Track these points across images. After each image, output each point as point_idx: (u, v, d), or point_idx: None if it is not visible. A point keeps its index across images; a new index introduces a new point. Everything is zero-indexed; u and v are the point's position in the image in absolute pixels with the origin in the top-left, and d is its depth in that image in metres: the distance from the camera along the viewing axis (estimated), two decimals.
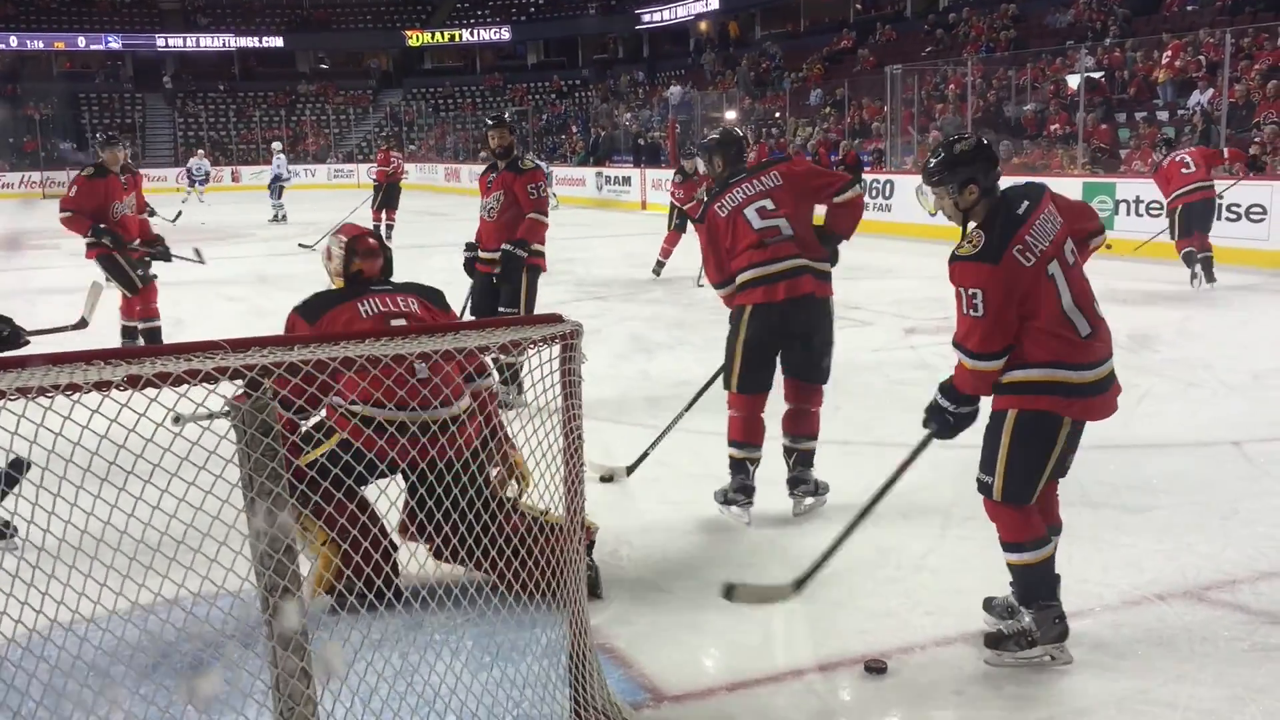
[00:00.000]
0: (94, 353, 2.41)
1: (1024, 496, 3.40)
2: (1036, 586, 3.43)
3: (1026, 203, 3.37)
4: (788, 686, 3.40)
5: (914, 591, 4.01)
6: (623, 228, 20.67)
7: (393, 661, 2.93)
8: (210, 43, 46.39)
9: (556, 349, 2.87)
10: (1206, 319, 9.60)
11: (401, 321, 3.87)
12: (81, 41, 44.88)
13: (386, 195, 18.04)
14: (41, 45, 44.49)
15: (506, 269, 6.77)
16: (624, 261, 14.86)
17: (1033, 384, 3.33)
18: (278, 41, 47.42)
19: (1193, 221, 11.46)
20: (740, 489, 4.80)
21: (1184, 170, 11.55)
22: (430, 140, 42.30)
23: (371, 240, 4.17)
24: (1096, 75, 19.20)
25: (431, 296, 4.10)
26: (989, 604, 3.71)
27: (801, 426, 4.88)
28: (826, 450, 4.99)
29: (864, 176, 18.57)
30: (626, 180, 26.06)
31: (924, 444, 3.63)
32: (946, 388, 3.49)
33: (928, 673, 3.44)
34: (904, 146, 20.26)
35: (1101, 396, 3.41)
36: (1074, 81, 18.80)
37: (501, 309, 6.69)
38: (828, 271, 4.82)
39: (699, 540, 4.63)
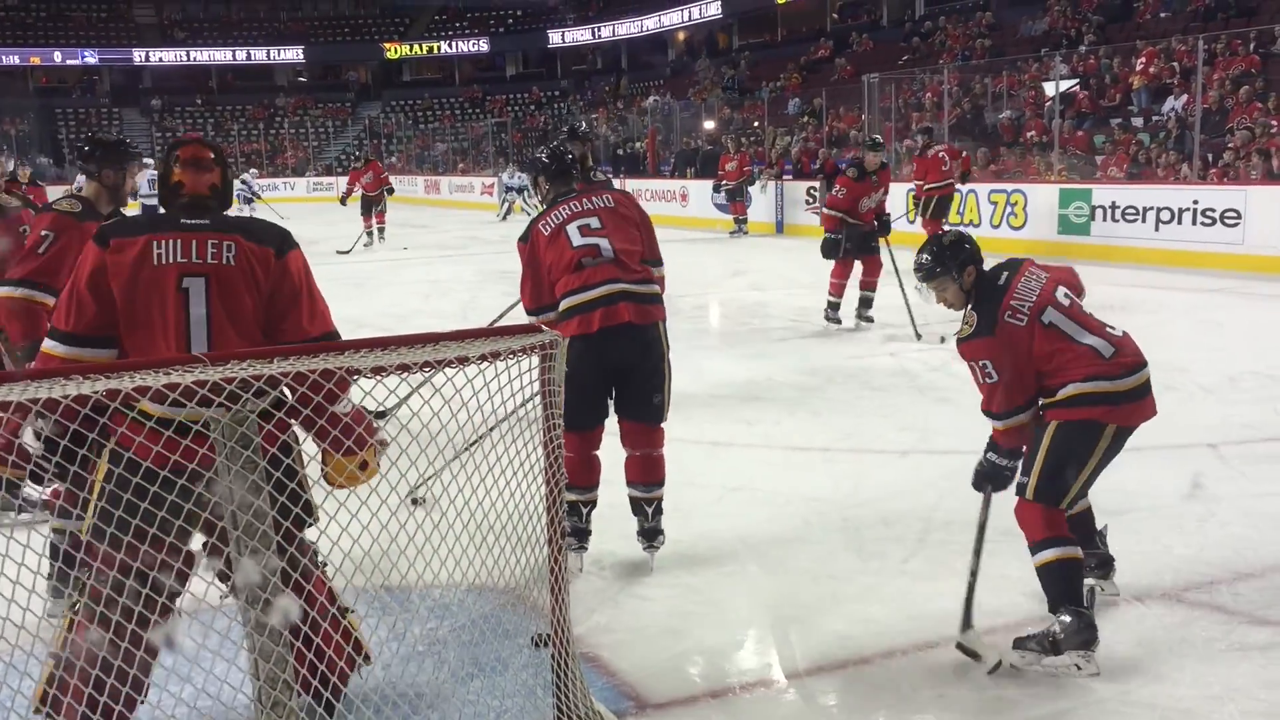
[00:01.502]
0: (72, 367, 2.41)
1: (1055, 497, 3.56)
2: (1065, 589, 3.50)
3: (1006, 274, 3.70)
4: (770, 693, 3.41)
5: (895, 597, 4.03)
6: None
7: (375, 673, 2.94)
8: (187, 57, 46.25)
9: (535, 360, 2.87)
10: (1181, 323, 9.67)
11: (200, 280, 2.98)
12: (57, 56, 44.72)
13: (379, 201, 19.12)
14: (17, 60, 44.33)
15: None
16: None
17: (1075, 398, 3.55)
18: (256, 55, 47.31)
19: (940, 212, 14.25)
20: (575, 533, 4.37)
21: (943, 167, 14.19)
22: (410, 152, 42.29)
23: (203, 148, 3.24)
24: (1072, 83, 19.35)
25: (266, 238, 3.11)
26: (1020, 642, 3.55)
27: (649, 473, 4.41)
28: (809, 457, 5.01)
29: None
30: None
31: (987, 502, 3.79)
32: (993, 445, 3.75)
33: (909, 676, 3.46)
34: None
35: (1141, 402, 3.63)
36: (1051, 89, 18.95)
37: None
38: (653, 294, 4.37)
39: (681, 548, 4.63)
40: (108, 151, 4.58)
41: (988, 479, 3.77)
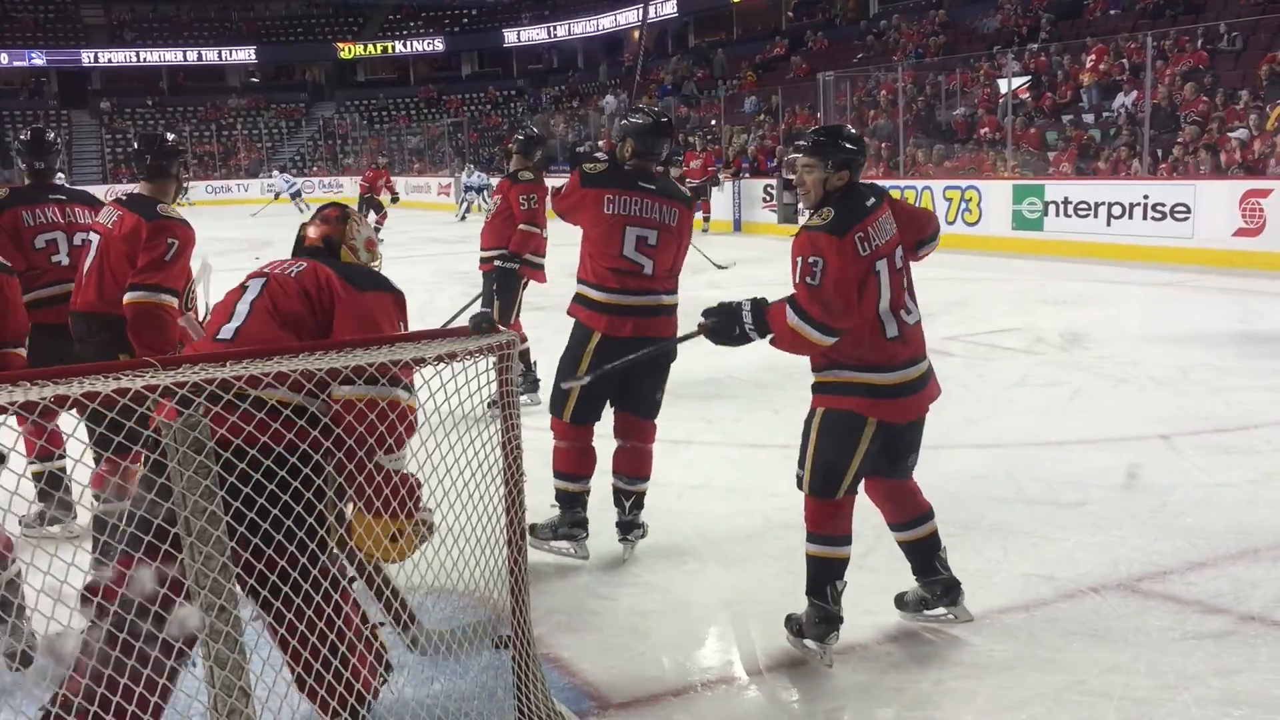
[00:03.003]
0: (20, 373, 2.37)
1: (829, 491, 3.48)
2: (818, 582, 3.53)
3: (873, 199, 3.53)
4: (732, 691, 3.42)
5: (854, 591, 4.03)
6: (562, 237, 20.58)
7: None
8: (137, 57, 45.65)
9: (491, 360, 2.86)
10: (1135, 316, 9.80)
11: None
12: (3, 58, 44.00)
13: (373, 204, 19.96)
14: None
15: (499, 281, 6.93)
16: (563, 271, 14.81)
17: (839, 384, 3.46)
18: (208, 56, 46.79)
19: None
20: (577, 523, 4.46)
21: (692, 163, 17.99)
22: (365, 153, 42.03)
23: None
24: (1025, 80, 19.54)
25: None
26: (900, 600, 3.81)
27: (638, 467, 4.48)
28: (769, 454, 5.02)
29: None
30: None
31: (691, 336, 3.67)
32: (759, 311, 3.45)
33: (870, 671, 3.48)
34: None
35: (908, 399, 3.49)
36: (1005, 87, 19.14)
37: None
38: (677, 304, 4.49)
39: (642, 548, 4.63)
40: (173, 150, 4.59)
41: (722, 322, 3.48)
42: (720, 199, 20.10)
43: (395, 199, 21.27)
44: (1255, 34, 17.58)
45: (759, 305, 3.47)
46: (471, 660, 3.17)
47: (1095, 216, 14.01)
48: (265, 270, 2.98)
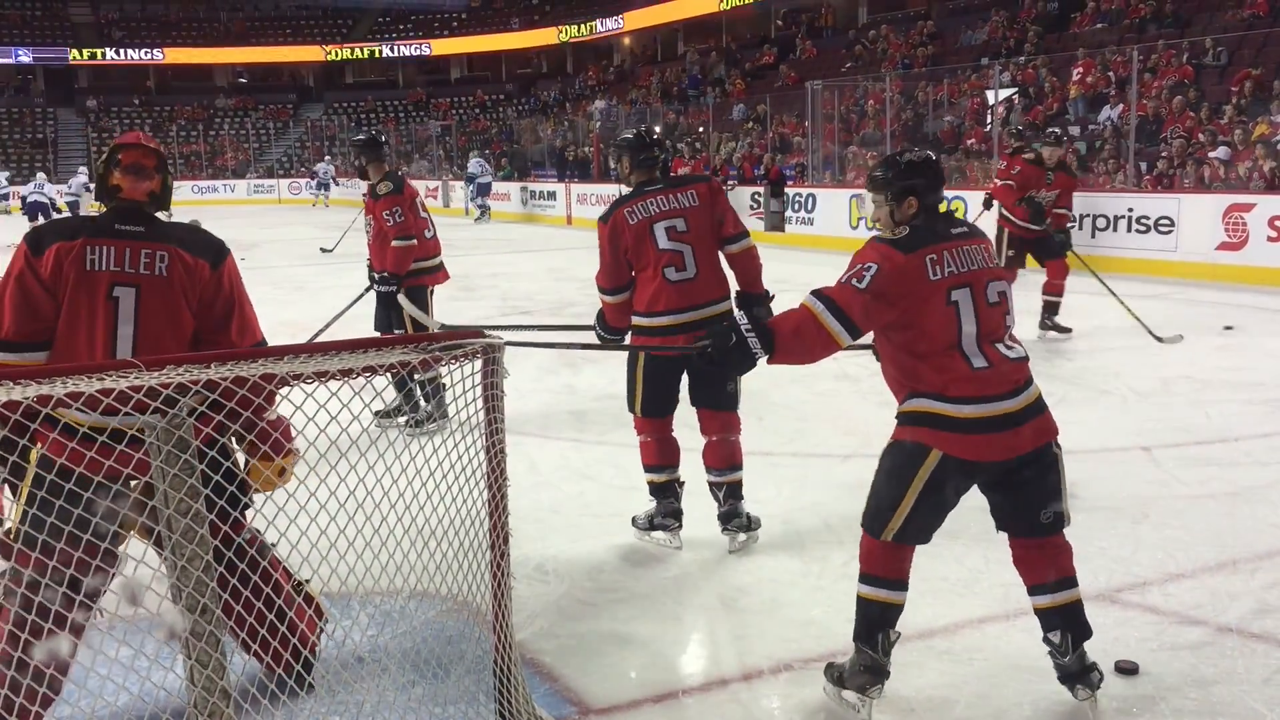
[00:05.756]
0: (2, 371, 2.37)
1: (877, 527, 3.21)
2: (867, 629, 3.25)
3: (965, 229, 3.29)
4: (713, 697, 3.42)
5: (836, 599, 4.06)
6: (548, 242, 20.66)
7: (312, 681, 2.91)
8: (124, 56, 45.47)
9: (478, 365, 2.87)
10: (1117, 328, 9.83)
11: (130, 291, 2.97)
12: None
13: None
14: None
15: (391, 301, 6.64)
16: (549, 276, 14.86)
17: (912, 414, 3.22)
18: (195, 55, 46.64)
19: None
20: (670, 513, 4.65)
21: (680, 170, 16.55)
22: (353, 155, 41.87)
23: (146, 154, 3.18)
24: (1011, 91, 19.64)
25: (201, 249, 3.12)
26: (830, 667, 3.43)
27: (723, 458, 4.63)
28: (752, 461, 5.03)
29: (787, 191, 18.76)
30: (551, 195, 26.06)
31: (687, 351, 3.54)
32: (761, 322, 3.26)
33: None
34: (825, 161, 20.53)
35: (988, 435, 3.13)
36: (992, 98, 19.24)
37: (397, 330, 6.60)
38: (731, 307, 4.58)
39: (624, 553, 4.64)
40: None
41: (736, 360, 3.23)
42: None
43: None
44: (1240, 50, 17.71)
45: (756, 318, 3.27)
46: (453, 664, 3.18)
47: (1080, 228, 14.05)
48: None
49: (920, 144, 19.48)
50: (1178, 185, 14.38)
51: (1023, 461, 3.17)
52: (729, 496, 4.63)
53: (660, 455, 4.66)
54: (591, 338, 4.85)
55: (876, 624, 3.23)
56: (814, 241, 17.15)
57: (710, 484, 4.68)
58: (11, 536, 2.74)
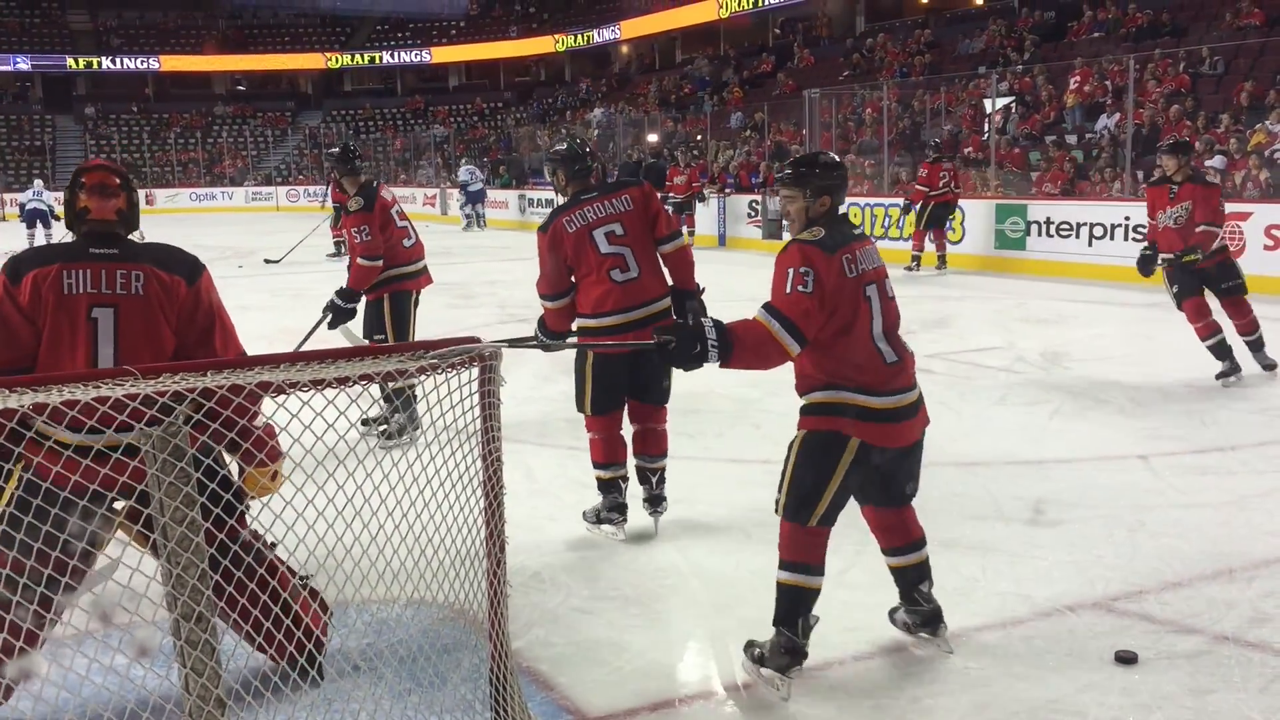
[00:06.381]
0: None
1: (804, 515, 3.42)
2: (788, 613, 3.46)
3: (859, 231, 3.60)
4: (710, 705, 3.42)
5: (832, 607, 4.04)
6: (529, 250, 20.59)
7: (308, 689, 2.91)
8: (123, 64, 45.49)
9: (475, 372, 2.87)
10: (1115, 337, 9.86)
11: (108, 311, 3.03)
12: None
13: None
14: None
15: (371, 311, 6.67)
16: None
17: (827, 405, 3.43)
18: (193, 63, 46.67)
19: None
20: (614, 507, 4.90)
21: (676, 179, 18.90)
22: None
23: (109, 174, 3.27)
24: (1009, 100, 19.68)
25: (175, 265, 3.19)
26: (891, 614, 3.85)
27: (653, 445, 4.95)
28: (749, 469, 5.04)
29: None
30: (549, 203, 26.06)
31: (647, 347, 3.53)
32: (722, 326, 3.32)
33: (846, 687, 3.49)
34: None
35: (898, 424, 3.46)
36: (989, 107, 19.27)
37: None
38: (669, 306, 4.85)
39: (620, 562, 4.64)
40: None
41: (690, 355, 3.29)
42: (705, 214, 20.12)
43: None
44: (1236, 59, 17.75)
45: (720, 322, 3.35)
46: (450, 672, 3.17)
47: (1077, 237, 14.10)
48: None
49: (917, 152, 19.50)
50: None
51: (909, 447, 3.57)
52: (660, 483, 4.96)
53: (608, 453, 4.89)
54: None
55: (797, 608, 3.46)
56: None
57: (643, 469, 4.96)
58: None
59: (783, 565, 3.48)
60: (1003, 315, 11.25)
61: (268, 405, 2.94)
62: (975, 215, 15.47)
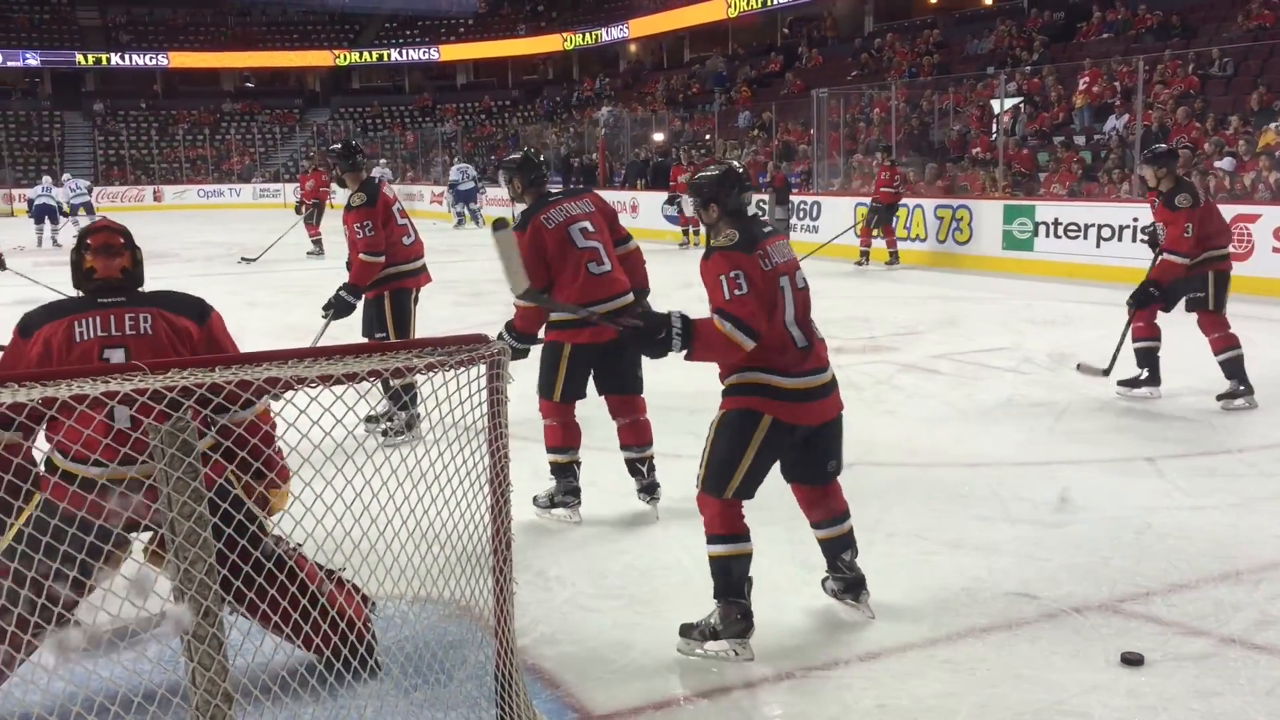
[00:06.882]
0: (7, 375, 2.37)
1: (720, 487, 3.69)
2: (725, 582, 3.70)
3: (770, 228, 3.87)
4: (715, 704, 3.42)
5: (839, 607, 4.06)
6: None
7: (315, 684, 2.91)
8: (131, 60, 45.56)
9: (482, 369, 2.87)
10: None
11: (119, 352, 3.19)
12: None
13: (320, 211, 19.01)
14: None
15: (373, 309, 6.67)
16: None
17: (744, 385, 3.70)
18: (201, 59, 46.74)
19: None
20: (570, 491, 5.10)
21: (680, 177, 18.52)
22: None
23: (112, 235, 3.43)
24: (1017, 100, 19.65)
25: (183, 308, 3.37)
26: (823, 583, 4.09)
27: (641, 436, 5.14)
28: None
29: (792, 199, 18.76)
30: None
31: (618, 324, 3.82)
32: (687, 319, 3.60)
33: (852, 688, 3.49)
34: (830, 169, 20.53)
35: (810, 404, 3.72)
36: (998, 107, 19.23)
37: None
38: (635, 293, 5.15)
39: (626, 560, 4.64)
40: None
41: (653, 336, 3.61)
42: None
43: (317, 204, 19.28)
44: (1246, 60, 17.71)
45: (686, 316, 3.61)
46: (455, 669, 3.18)
47: (1085, 238, 14.08)
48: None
49: (926, 152, 19.50)
50: None
51: (825, 425, 3.79)
52: (650, 470, 5.14)
53: (565, 438, 5.09)
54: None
55: (736, 575, 3.71)
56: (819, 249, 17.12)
57: (631, 460, 5.15)
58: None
59: (712, 540, 3.74)
60: (1010, 316, 11.24)
61: (274, 401, 3.00)
62: (983, 216, 15.46)
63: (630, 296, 5.08)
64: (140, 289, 3.45)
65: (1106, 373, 6.99)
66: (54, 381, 2.37)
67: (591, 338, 4.90)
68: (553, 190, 5.24)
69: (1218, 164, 14.41)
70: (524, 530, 4.36)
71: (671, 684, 3.54)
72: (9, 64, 44.13)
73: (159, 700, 2.61)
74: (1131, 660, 3.55)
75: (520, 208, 5.27)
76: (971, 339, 9.84)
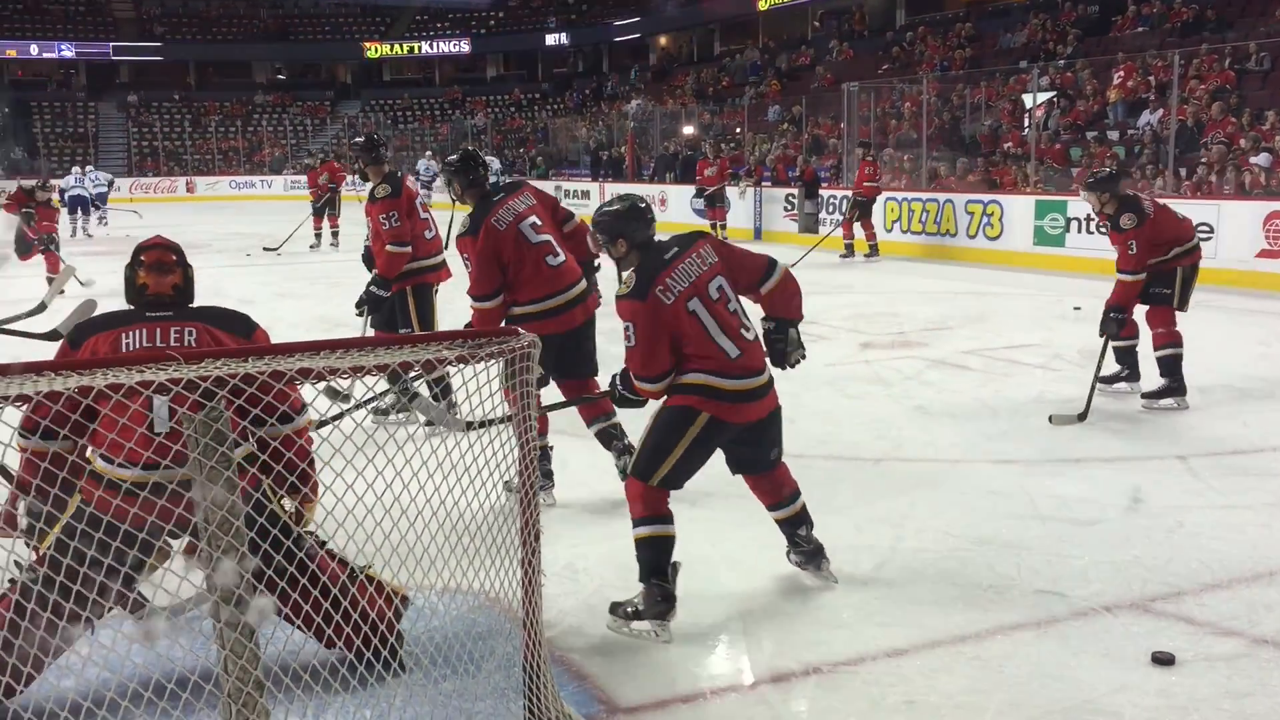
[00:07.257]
0: (44, 364, 2.40)
1: (649, 472, 3.86)
2: (651, 563, 3.84)
3: (676, 249, 3.93)
4: (741, 697, 3.42)
5: (867, 603, 4.05)
6: None
7: (346, 673, 2.93)
8: (166, 52, 45.90)
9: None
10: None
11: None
12: (34, 49, 44.36)
13: (332, 203, 19.28)
14: None
15: (396, 302, 6.67)
16: None
17: (684, 385, 3.86)
18: (235, 51, 47.06)
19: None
20: (543, 474, 5.09)
21: (706, 171, 19.36)
22: (388, 152, 42.03)
23: (166, 252, 3.53)
24: (1050, 94, 19.50)
25: (228, 323, 3.44)
26: (787, 555, 4.28)
27: (604, 405, 5.13)
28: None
29: (821, 193, 18.69)
30: (585, 194, 26.11)
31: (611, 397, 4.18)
32: (626, 378, 3.98)
33: (880, 683, 3.48)
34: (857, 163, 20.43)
35: (746, 404, 3.89)
36: (1030, 102, 19.09)
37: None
38: (584, 292, 5.27)
39: None
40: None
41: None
42: (742, 207, 20.03)
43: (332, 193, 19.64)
44: None
45: (625, 375, 3.96)
46: (484, 660, 3.20)
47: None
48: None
49: (957, 147, 19.38)
50: (1217, 192, 14.22)
51: (760, 422, 3.96)
52: (622, 434, 5.19)
53: (542, 425, 5.09)
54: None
55: (662, 557, 3.85)
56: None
57: (602, 430, 5.22)
58: (41, 551, 3.05)
59: (639, 523, 3.88)
60: (1041, 312, 11.16)
61: (306, 392, 3.05)
62: (1015, 211, 15.35)
63: (584, 284, 5.23)
64: (189, 304, 3.52)
65: (1082, 418, 6.58)
66: (89, 371, 2.39)
67: (556, 327, 5.00)
68: (491, 190, 5.31)
69: (1254, 160, 14.25)
70: (552, 522, 4.38)
71: (699, 677, 3.55)
72: (44, 55, 44.60)
73: (191, 687, 2.64)
74: (1162, 660, 3.53)
75: (465, 211, 5.32)
76: (1001, 335, 9.78)
